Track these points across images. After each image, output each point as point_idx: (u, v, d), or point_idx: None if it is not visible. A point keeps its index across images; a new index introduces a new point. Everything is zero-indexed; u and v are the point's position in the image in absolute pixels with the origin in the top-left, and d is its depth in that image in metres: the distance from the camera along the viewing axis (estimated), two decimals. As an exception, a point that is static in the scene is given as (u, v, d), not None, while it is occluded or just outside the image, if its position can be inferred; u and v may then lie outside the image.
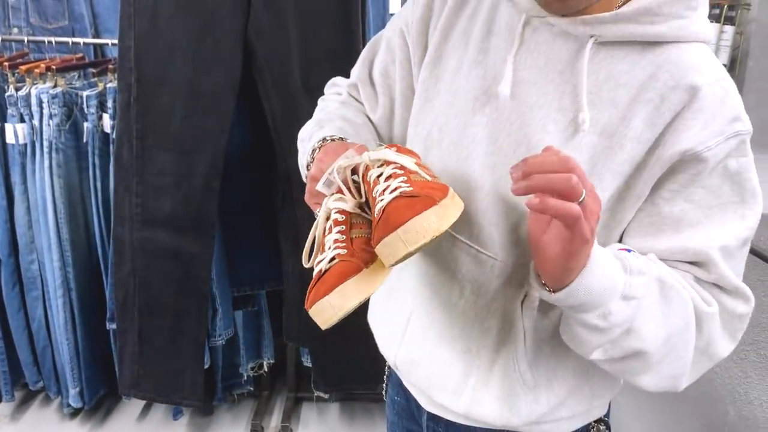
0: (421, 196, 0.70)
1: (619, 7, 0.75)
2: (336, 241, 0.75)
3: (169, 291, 1.59)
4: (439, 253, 0.88)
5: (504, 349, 0.85)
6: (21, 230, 2.18)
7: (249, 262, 1.88)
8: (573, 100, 0.76)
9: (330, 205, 0.78)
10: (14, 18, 2.45)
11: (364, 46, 1.20)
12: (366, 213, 0.79)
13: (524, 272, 0.81)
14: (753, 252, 1.43)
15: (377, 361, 1.02)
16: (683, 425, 1.79)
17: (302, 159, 0.94)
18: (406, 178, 0.74)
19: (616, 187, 0.76)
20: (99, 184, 2.11)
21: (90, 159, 2.10)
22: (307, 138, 0.94)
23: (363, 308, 1.05)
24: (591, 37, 0.75)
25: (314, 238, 0.80)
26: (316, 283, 0.73)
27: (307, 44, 1.49)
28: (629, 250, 0.74)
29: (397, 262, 0.69)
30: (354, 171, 0.80)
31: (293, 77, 1.48)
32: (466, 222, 0.83)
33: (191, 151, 1.53)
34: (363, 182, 0.79)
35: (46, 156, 2.08)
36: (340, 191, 0.79)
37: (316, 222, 0.80)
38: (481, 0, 0.86)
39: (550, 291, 0.71)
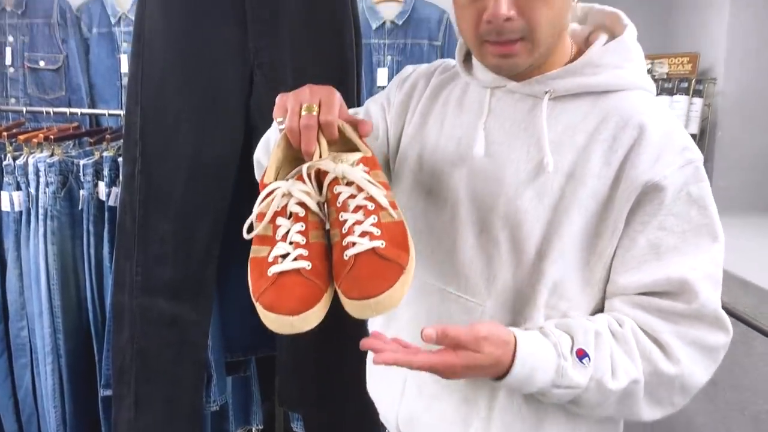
0: (391, 261, 0.77)
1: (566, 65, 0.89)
2: (297, 244, 0.80)
3: (167, 358, 1.61)
4: (431, 308, 0.95)
5: (500, 393, 0.90)
6: (12, 297, 2.19)
7: (242, 328, 1.90)
8: (539, 149, 0.86)
9: (294, 193, 0.83)
10: (12, 89, 2.53)
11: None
12: (321, 212, 0.85)
13: (510, 315, 0.89)
14: (734, 315, 1.51)
15: (372, 426, 1.05)
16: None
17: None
18: (376, 219, 0.80)
19: (584, 222, 0.85)
20: (92, 251, 2.13)
21: (84, 225, 2.14)
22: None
23: (360, 374, 1.10)
24: (546, 92, 0.87)
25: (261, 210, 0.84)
26: (273, 283, 0.78)
27: (305, 118, 1.56)
28: (586, 354, 0.81)
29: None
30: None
31: (291, 150, 1.55)
32: (454, 275, 0.92)
33: (192, 220, 1.58)
34: (328, 190, 0.84)
35: (41, 223, 2.11)
36: (301, 179, 0.84)
37: (268, 194, 0.84)
38: (451, 90, 0.99)
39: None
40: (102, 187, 2.12)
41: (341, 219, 0.81)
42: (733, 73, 2.36)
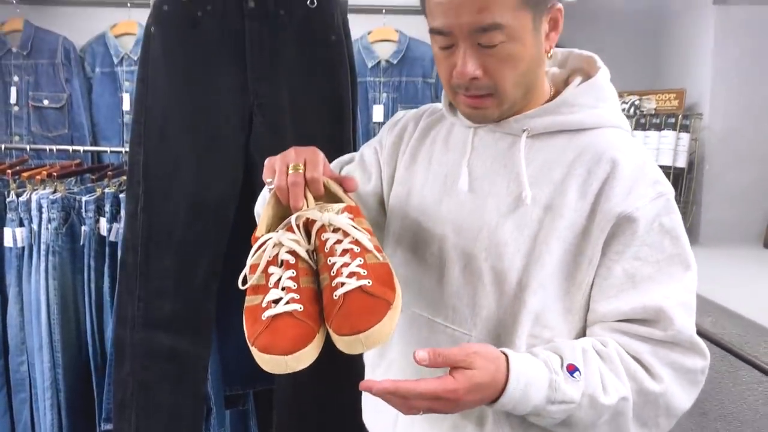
0: (378, 297, 0.82)
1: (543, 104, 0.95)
2: (288, 289, 0.85)
3: (167, 391, 1.64)
4: (420, 340, 0.99)
5: (488, 420, 0.93)
6: (13, 331, 2.21)
7: (241, 361, 1.92)
8: (518, 183, 0.92)
9: (285, 242, 0.88)
10: (16, 126, 2.59)
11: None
12: (311, 259, 0.90)
13: (495, 344, 0.91)
14: (721, 346, 1.54)
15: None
16: None
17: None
18: (362, 261, 0.85)
19: (563, 252, 0.90)
20: (93, 285, 2.17)
21: (85, 261, 2.18)
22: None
23: (356, 406, 1.13)
24: (524, 131, 0.93)
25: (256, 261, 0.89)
26: (267, 326, 0.82)
27: (303, 157, 1.63)
28: (576, 368, 0.85)
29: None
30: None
31: (289, 187, 1.60)
32: (442, 306, 0.96)
33: (193, 257, 1.62)
34: (316, 237, 0.90)
35: (42, 259, 2.15)
36: (290, 229, 0.90)
37: (259, 246, 0.89)
38: (438, 131, 1.05)
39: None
40: (103, 222, 2.17)
41: (329, 263, 0.86)
42: (719, 109, 2.43)
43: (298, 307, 0.83)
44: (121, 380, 1.64)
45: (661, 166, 2.35)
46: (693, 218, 2.45)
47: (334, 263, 0.86)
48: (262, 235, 0.91)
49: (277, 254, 0.88)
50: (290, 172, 0.91)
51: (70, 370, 2.18)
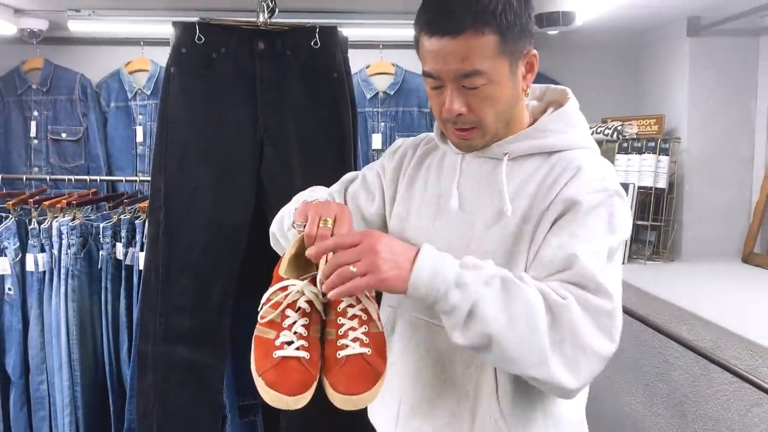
0: (374, 368, 0.96)
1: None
2: (300, 336, 0.98)
3: (186, 400, 1.76)
4: (419, 341, 1.13)
5: (479, 407, 1.07)
6: (33, 352, 2.34)
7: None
8: (500, 199, 1.07)
9: (306, 292, 1.02)
10: (35, 158, 2.74)
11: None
12: (322, 311, 1.04)
13: None
14: (696, 351, 1.68)
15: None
16: None
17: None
18: (367, 329, 1.00)
19: (534, 249, 1.02)
20: (109, 307, 2.31)
21: (102, 283, 2.32)
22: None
23: (363, 409, 1.25)
24: (504, 154, 1.08)
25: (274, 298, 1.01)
26: (276, 364, 0.94)
27: (309, 184, 1.78)
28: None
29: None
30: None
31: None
32: None
33: (209, 277, 1.76)
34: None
35: (62, 282, 2.28)
36: (313, 282, 1.03)
37: (283, 288, 1.02)
38: (433, 158, 1.21)
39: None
40: (119, 247, 2.31)
41: (339, 322, 1.01)
42: (696, 133, 2.59)
43: (305, 354, 0.96)
44: (144, 391, 1.77)
45: (642, 187, 2.54)
46: (674, 236, 2.59)
47: (342, 324, 1.00)
48: (284, 275, 1.05)
49: (297, 300, 1.01)
50: (320, 224, 1.06)
51: (87, 388, 2.30)
